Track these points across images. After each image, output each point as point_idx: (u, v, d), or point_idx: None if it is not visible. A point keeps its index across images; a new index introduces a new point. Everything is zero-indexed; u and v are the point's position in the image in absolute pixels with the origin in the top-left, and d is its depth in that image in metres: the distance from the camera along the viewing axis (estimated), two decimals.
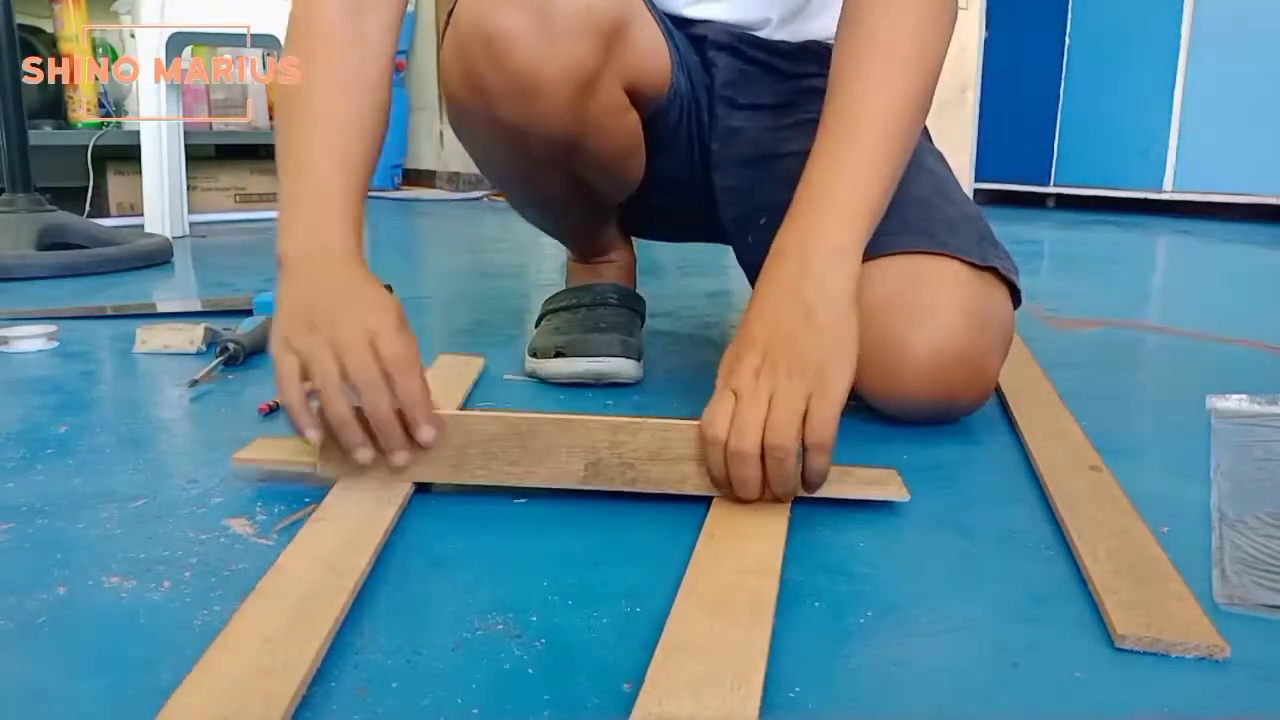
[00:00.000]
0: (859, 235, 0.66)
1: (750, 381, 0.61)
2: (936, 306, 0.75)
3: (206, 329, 1.04)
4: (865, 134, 0.68)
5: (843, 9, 0.75)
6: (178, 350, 1.02)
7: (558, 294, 1.02)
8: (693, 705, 0.39)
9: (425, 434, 0.61)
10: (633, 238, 1.14)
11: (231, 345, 0.96)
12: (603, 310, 0.96)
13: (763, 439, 0.58)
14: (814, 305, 0.63)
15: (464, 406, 0.83)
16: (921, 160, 0.85)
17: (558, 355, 0.91)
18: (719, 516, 0.59)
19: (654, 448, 0.62)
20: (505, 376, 0.93)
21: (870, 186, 0.68)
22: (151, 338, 1.04)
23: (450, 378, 0.89)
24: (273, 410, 0.81)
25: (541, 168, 0.86)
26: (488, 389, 0.91)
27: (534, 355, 0.94)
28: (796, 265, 0.65)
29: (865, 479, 0.64)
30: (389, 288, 1.38)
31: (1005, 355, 0.81)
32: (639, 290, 1.07)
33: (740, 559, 0.53)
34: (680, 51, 0.90)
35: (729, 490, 0.60)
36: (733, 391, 0.61)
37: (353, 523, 0.57)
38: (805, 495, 0.61)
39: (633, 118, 0.86)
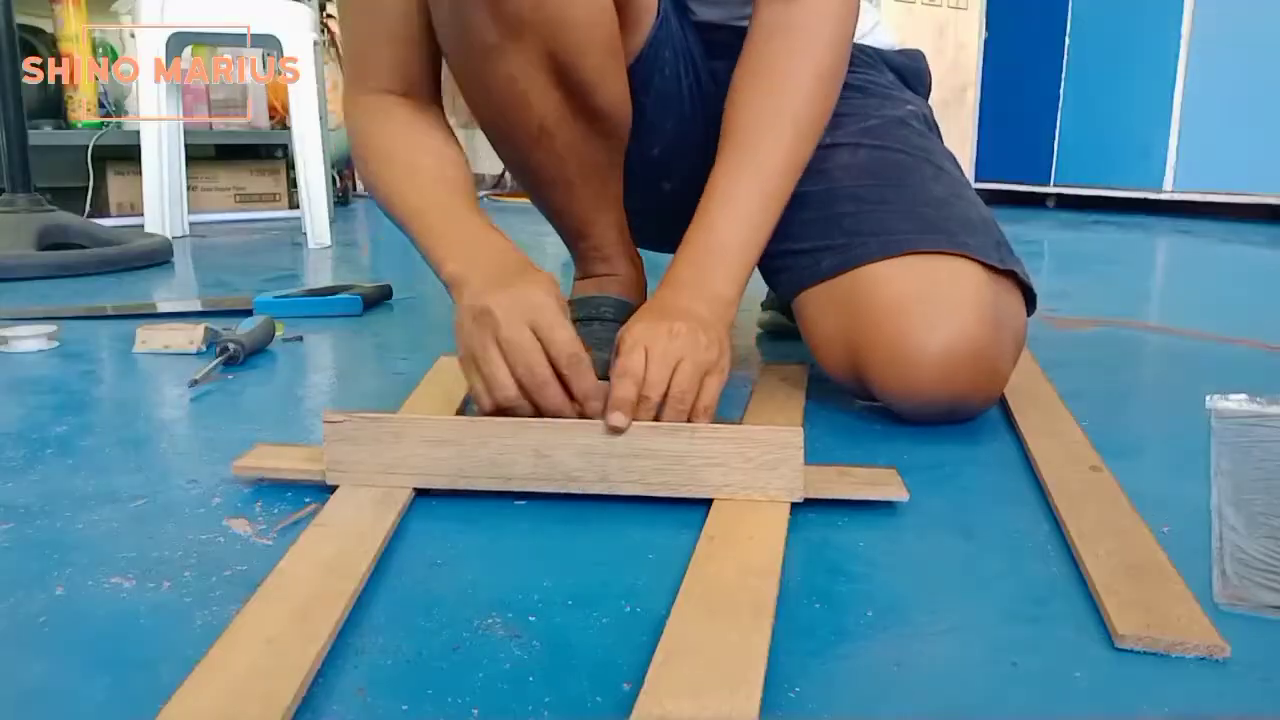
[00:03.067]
0: (741, 290, 0.76)
1: (661, 352, 0.66)
2: (953, 306, 0.76)
3: (206, 329, 1.04)
4: (768, 193, 0.76)
5: (758, 32, 0.80)
6: (178, 350, 1.02)
7: None
8: (693, 706, 0.39)
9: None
10: (643, 252, 1.06)
11: (231, 345, 0.96)
12: (595, 326, 0.91)
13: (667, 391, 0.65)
14: (706, 320, 0.70)
15: (462, 409, 0.83)
16: (940, 162, 0.87)
17: None
18: (719, 517, 0.59)
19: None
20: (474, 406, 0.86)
21: (759, 245, 0.77)
22: (151, 338, 1.04)
23: (447, 381, 0.89)
24: None
25: (519, 77, 0.78)
26: None
27: None
28: (692, 293, 0.73)
29: (864, 479, 0.64)
30: (388, 286, 1.39)
31: (1017, 358, 0.82)
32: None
33: (740, 559, 0.53)
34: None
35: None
36: (645, 350, 0.66)
37: (354, 527, 0.57)
38: (798, 499, 0.61)
39: (610, 18, 0.79)
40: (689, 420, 0.66)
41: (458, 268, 0.73)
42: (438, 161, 0.81)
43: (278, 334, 1.12)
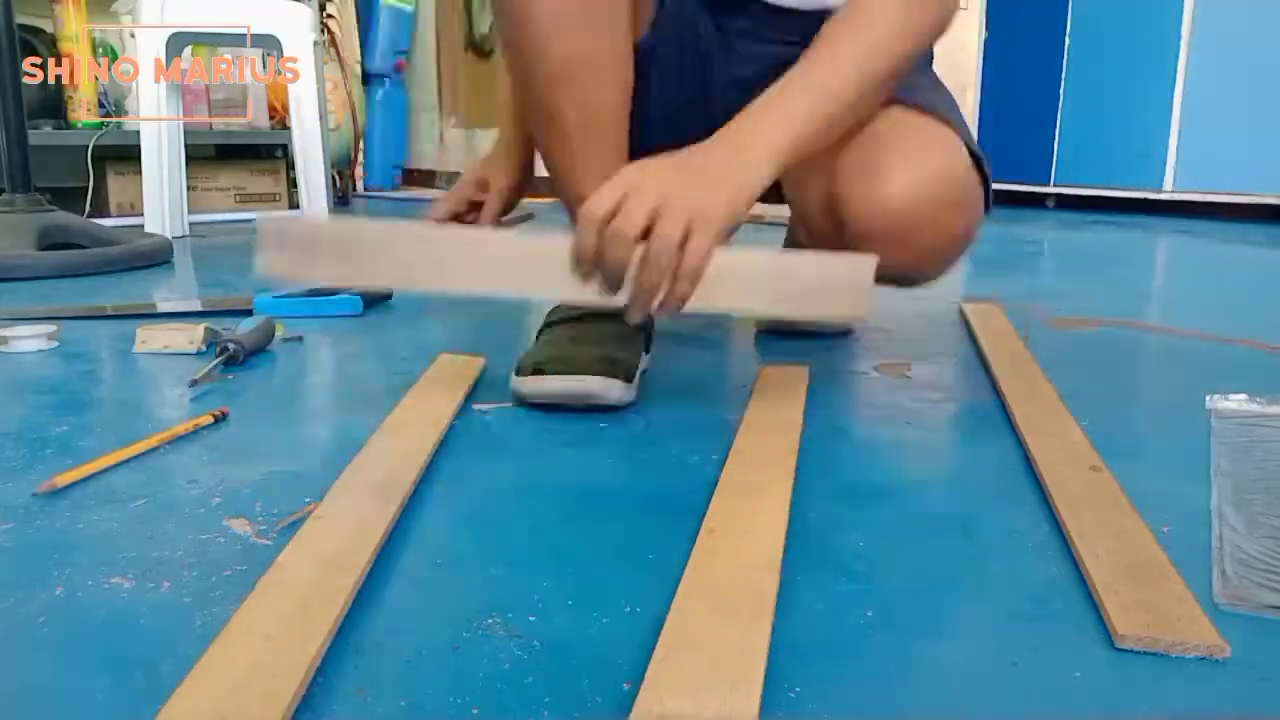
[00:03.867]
0: (776, 158, 0.72)
1: (647, 181, 0.66)
2: (929, 139, 0.84)
3: (206, 329, 1.04)
4: (833, 82, 0.76)
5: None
6: (178, 350, 1.02)
7: (560, 305, 0.94)
8: (693, 704, 0.39)
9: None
10: None
11: (231, 345, 0.96)
12: (603, 324, 0.87)
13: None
14: (728, 169, 0.70)
15: (462, 408, 0.82)
16: (939, 87, 0.96)
17: (535, 373, 0.82)
18: (720, 509, 0.59)
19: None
20: (474, 407, 0.84)
21: (811, 130, 0.74)
22: (151, 338, 1.04)
23: (448, 378, 0.89)
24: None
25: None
26: (488, 391, 0.91)
27: (517, 373, 0.84)
28: (716, 143, 0.72)
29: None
30: (389, 293, 1.39)
31: (974, 234, 0.88)
32: None
33: (740, 555, 0.53)
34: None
35: (587, 281, 0.68)
36: (623, 187, 0.66)
37: (352, 521, 0.57)
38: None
39: None
40: (671, 286, 0.65)
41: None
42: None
43: (278, 334, 1.12)
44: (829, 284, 0.72)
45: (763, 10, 0.94)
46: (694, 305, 0.68)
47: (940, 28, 0.84)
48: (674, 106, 0.94)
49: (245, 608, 0.46)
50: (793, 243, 1.23)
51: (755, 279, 0.72)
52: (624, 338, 0.87)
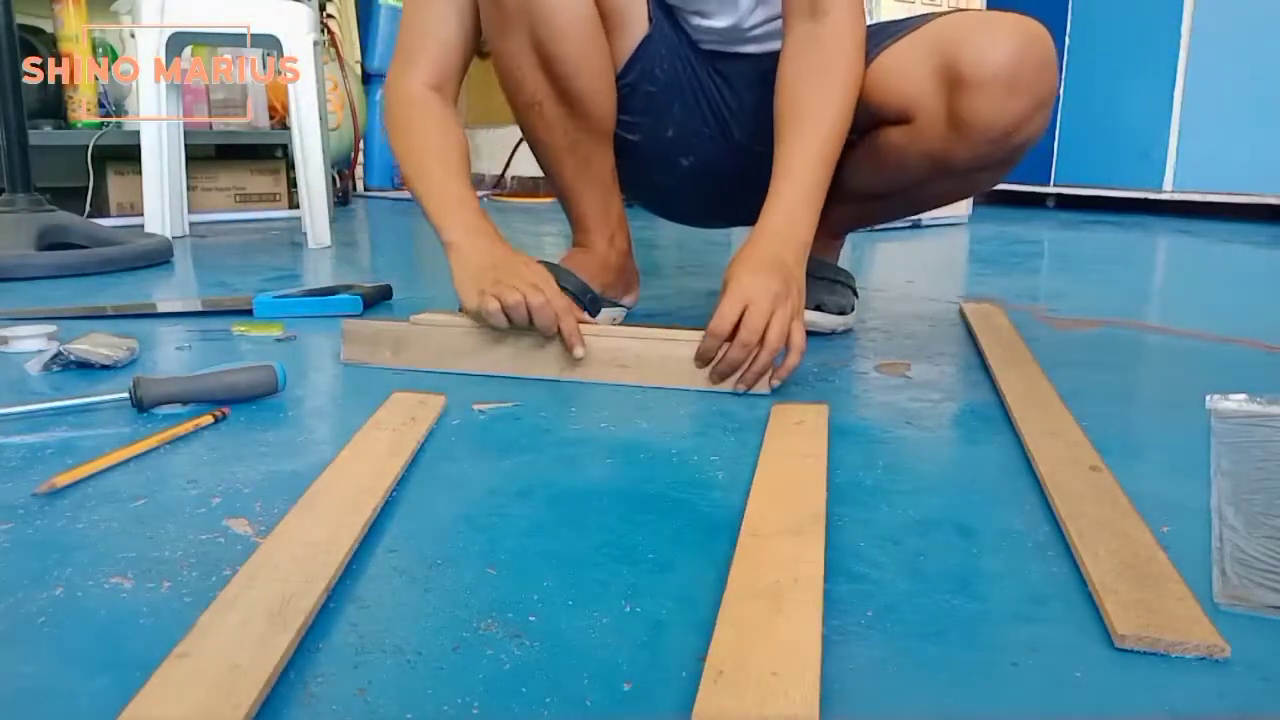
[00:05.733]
0: (813, 236, 0.95)
1: (760, 298, 0.87)
2: (1016, 16, 0.98)
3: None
4: (813, 177, 0.95)
5: (792, 49, 0.99)
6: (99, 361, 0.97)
7: None
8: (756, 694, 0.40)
9: (579, 353, 0.92)
10: (637, 247, 1.24)
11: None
12: None
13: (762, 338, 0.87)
14: (794, 268, 0.92)
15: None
16: None
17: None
18: (755, 510, 0.59)
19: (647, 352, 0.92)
20: (474, 407, 0.86)
21: (822, 183, 0.96)
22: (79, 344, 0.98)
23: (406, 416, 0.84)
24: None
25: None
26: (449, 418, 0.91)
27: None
28: (779, 249, 0.92)
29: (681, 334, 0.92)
30: (388, 286, 1.39)
31: (1053, 95, 1.00)
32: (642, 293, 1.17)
33: (782, 556, 0.53)
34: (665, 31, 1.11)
35: (707, 372, 0.91)
36: (742, 301, 0.87)
37: (336, 508, 0.58)
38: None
39: (584, 18, 1.02)
40: (784, 362, 0.88)
41: (457, 237, 0.98)
42: (458, 157, 1.05)
43: (277, 334, 1.13)
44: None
45: (748, 57, 1.12)
46: (637, 381, 0.92)
47: (863, 41, 1.00)
48: (682, 132, 1.10)
49: (220, 598, 0.47)
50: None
51: (688, 362, 0.91)
52: None
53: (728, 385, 0.90)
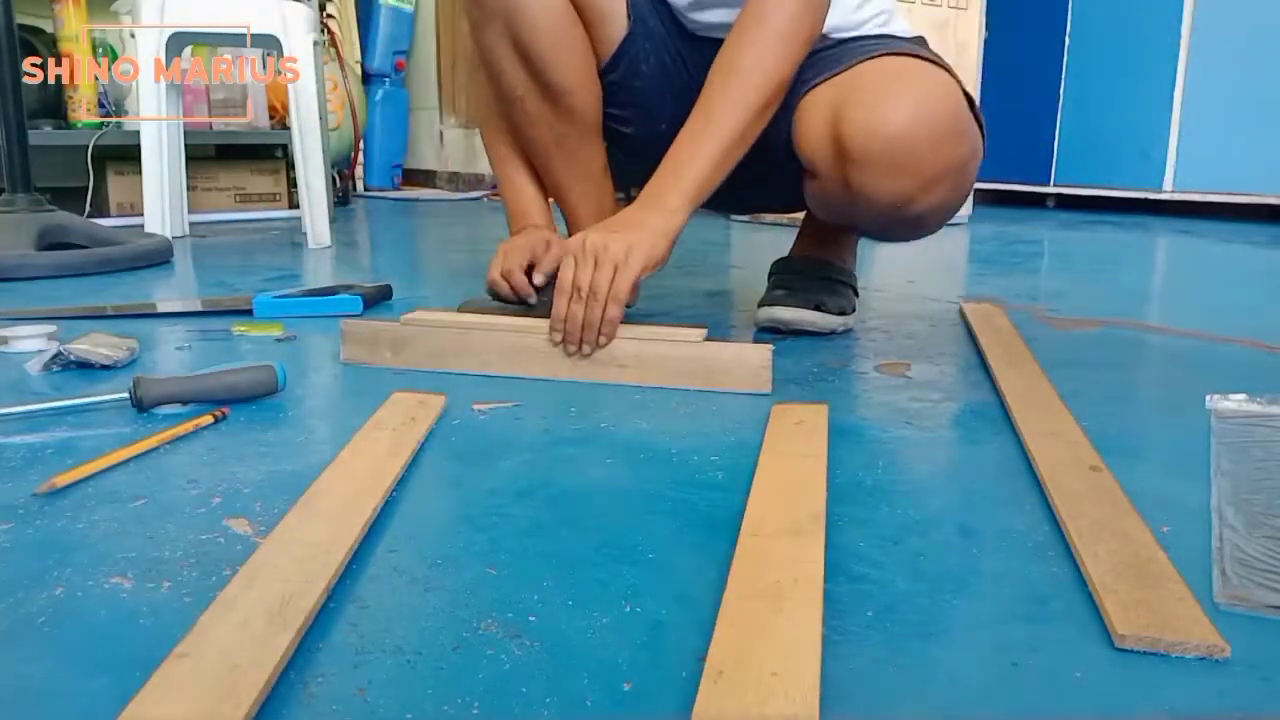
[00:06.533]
0: (691, 202, 0.94)
1: (585, 246, 0.91)
2: (931, 77, 0.95)
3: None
4: (724, 121, 0.94)
5: (740, 11, 0.97)
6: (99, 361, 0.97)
7: None
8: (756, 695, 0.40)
9: (531, 301, 1.09)
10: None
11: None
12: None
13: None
14: (641, 224, 0.93)
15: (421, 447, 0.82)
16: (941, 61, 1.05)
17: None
18: (756, 510, 0.59)
19: None
20: (474, 407, 0.86)
21: (714, 169, 0.94)
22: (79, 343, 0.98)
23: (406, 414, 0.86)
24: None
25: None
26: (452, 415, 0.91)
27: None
28: (641, 207, 0.95)
29: (667, 332, 0.94)
30: (388, 286, 1.39)
31: (969, 162, 0.95)
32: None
33: (782, 556, 0.53)
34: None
35: (706, 372, 0.91)
36: (571, 253, 0.92)
37: (336, 508, 0.58)
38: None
39: (557, 12, 1.04)
40: (603, 306, 0.89)
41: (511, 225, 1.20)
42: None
43: (277, 334, 1.13)
44: (742, 364, 0.90)
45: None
46: (635, 380, 0.92)
47: (812, 40, 0.97)
48: (676, 126, 1.09)
49: (220, 600, 0.47)
50: (804, 236, 1.30)
51: (686, 362, 0.91)
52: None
53: (575, 347, 0.92)
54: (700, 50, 1.13)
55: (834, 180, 0.96)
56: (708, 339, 0.92)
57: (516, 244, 1.13)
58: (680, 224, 0.94)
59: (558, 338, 0.92)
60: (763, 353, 0.90)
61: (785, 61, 0.95)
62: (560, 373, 0.94)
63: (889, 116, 0.89)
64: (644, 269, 0.91)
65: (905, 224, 0.99)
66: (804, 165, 1.01)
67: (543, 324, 0.94)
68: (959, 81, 0.98)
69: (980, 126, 0.99)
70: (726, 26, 1.08)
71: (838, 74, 0.99)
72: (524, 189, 1.20)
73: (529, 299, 1.09)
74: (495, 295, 1.12)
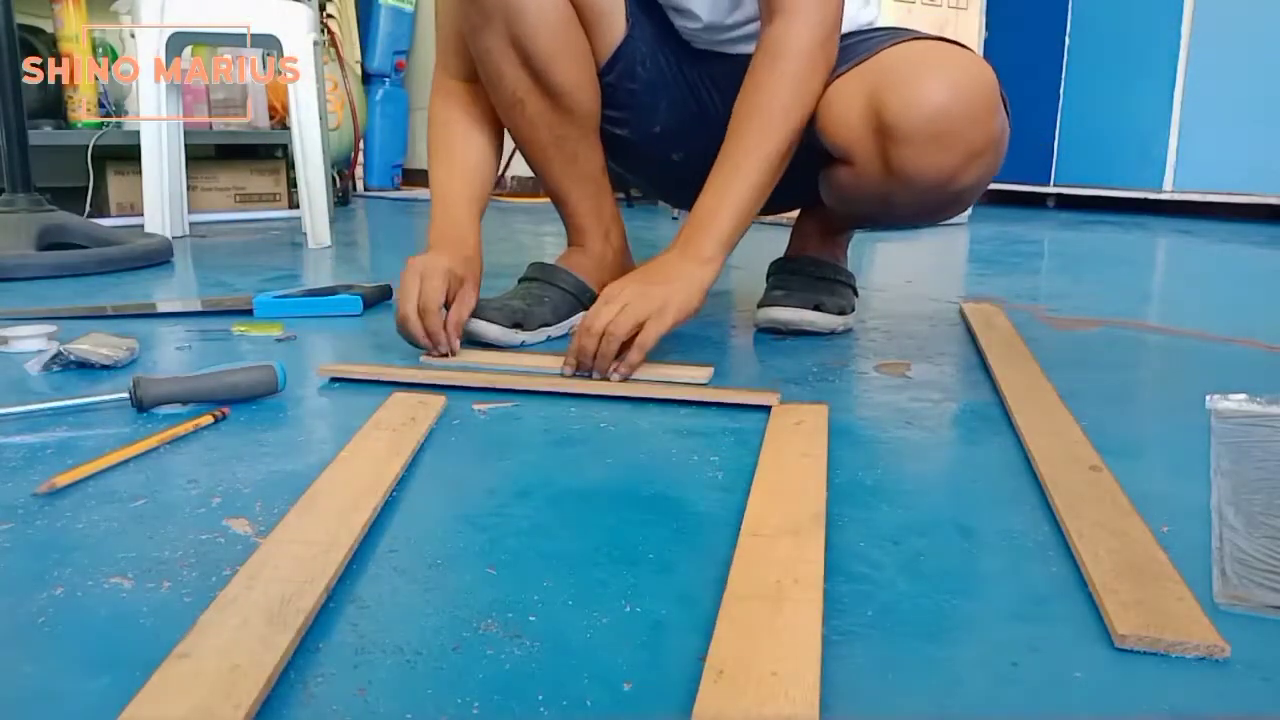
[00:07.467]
0: (725, 250, 0.97)
1: (620, 294, 0.92)
2: (963, 58, 0.95)
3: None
4: (750, 173, 0.96)
5: (755, 53, 0.98)
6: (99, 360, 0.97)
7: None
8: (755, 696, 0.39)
9: (443, 350, 1.00)
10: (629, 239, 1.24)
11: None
12: (533, 285, 1.14)
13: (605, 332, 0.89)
14: (678, 276, 0.94)
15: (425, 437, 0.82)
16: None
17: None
18: (758, 509, 0.59)
19: None
20: (474, 407, 0.88)
21: (744, 215, 0.96)
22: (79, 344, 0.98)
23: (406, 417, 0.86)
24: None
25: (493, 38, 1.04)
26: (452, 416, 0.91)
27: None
28: (680, 257, 0.96)
29: (674, 371, 0.93)
30: (388, 286, 1.39)
31: (1002, 138, 0.97)
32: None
33: (782, 556, 0.53)
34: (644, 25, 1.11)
35: (705, 375, 0.93)
36: (603, 300, 0.93)
37: (336, 508, 0.58)
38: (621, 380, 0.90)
39: (558, 14, 1.04)
40: (621, 353, 0.90)
41: (432, 236, 1.09)
42: (464, 150, 1.13)
43: (277, 334, 1.13)
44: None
45: (736, 58, 1.10)
46: (632, 392, 0.89)
47: (829, 70, 0.98)
48: (670, 129, 1.12)
49: (219, 600, 0.47)
50: (797, 241, 1.28)
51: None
52: (525, 294, 1.14)
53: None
54: (694, 55, 1.14)
55: (873, 163, 0.96)
56: (713, 379, 0.92)
57: (432, 267, 1.01)
58: (715, 273, 0.96)
59: (569, 371, 0.93)
60: (771, 399, 0.85)
61: (806, 99, 0.97)
62: (559, 386, 0.91)
63: (930, 92, 0.90)
64: (676, 322, 0.92)
65: (942, 203, 1.00)
66: (836, 153, 1.00)
67: (558, 362, 0.95)
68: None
69: (1005, 105, 1.00)
70: (700, 30, 1.11)
71: (860, 63, 0.98)
72: (458, 198, 1.11)
73: (445, 353, 1.00)
74: (405, 335, 1.01)
